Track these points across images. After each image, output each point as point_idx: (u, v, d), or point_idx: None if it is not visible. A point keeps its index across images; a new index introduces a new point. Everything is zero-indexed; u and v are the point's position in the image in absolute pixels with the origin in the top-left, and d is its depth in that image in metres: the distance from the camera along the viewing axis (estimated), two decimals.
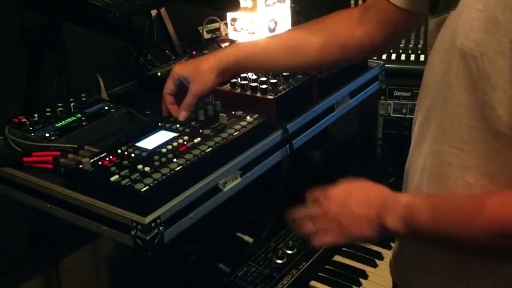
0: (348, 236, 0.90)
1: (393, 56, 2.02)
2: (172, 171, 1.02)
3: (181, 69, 1.22)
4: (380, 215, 0.85)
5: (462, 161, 0.80)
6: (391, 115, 2.09)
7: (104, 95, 1.43)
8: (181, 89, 1.23)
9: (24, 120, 1.26)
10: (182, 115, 1.20)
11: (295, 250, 1.41)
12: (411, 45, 2.04)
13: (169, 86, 1.23)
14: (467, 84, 0.76)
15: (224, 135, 1.14)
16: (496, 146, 0.76)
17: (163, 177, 1.01)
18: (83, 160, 1.06)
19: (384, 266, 1.47)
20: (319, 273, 1.40)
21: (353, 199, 0.91)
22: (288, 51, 1.17)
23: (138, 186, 0.98)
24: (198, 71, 1.19)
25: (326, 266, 1.42)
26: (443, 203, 0.80)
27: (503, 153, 0.75)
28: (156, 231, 0.96)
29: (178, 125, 1.19)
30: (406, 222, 0.81)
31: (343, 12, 1.16)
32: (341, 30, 1.12)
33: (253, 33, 1.68)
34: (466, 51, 0.74)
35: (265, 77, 1.34)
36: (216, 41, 1.76)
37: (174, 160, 1.05)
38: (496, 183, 0.78)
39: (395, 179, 1.72)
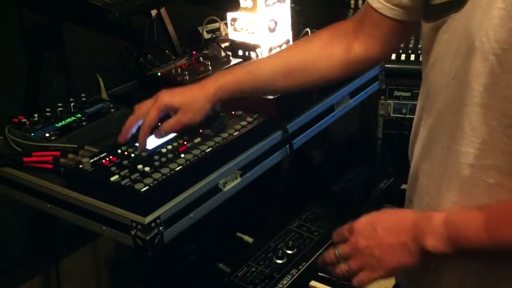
0: (387, 268, 0.86)
1: (393, 56, 2.02)
2: (172, 171, 1.02)
3: (169, 98, 1.12)
4: (416, 238, 0.82)
5: (482, 161, 0.80)
6: (391, 115, 2.09)
7: (104, 95, 1.43)
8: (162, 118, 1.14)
9: (24, 120, 1.26)
10: (159, 134, 1.12)
11: (295, 250, 1.41)
12: (411, 45, 2.04)
13: (154, 117, 1.10)
14: (488, 83, 0.76)
15: (224, 135, 1.14)
16: None
17: (163, 177, 1.01)
18: (83, 160, 1.06)
19: None
20: (319, 273, 1.39)
21: (380, 227, 0.87)
22: (286, 75, 1.13)
23: (138, 186, 0.98)
24: (192, 102, 1.11)
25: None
26: (494, 213, 0.78)
27: None
28: (156, 231, 0.96)
29: None
30: (450, 240, 0.79)
31: (336, 27, 1.12)
32: (337, 47, 1.09)
33: (253, 33, 1.68)
34: (487, 49, 0.75)
35: None
36: (216, 41, 1.76)
37: (174, 160, 1.05)
38: None
39: (395, 179, 1.72)
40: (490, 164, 0.79)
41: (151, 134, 1.11)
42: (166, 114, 1.13)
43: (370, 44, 1.06)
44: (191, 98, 1.12)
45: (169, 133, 1.13)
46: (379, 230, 0.86)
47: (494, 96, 0.76)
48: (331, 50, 1.09)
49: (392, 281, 1.36)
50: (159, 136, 1.12)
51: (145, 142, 1.10)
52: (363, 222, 0.89)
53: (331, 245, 1.43)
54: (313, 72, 1.11)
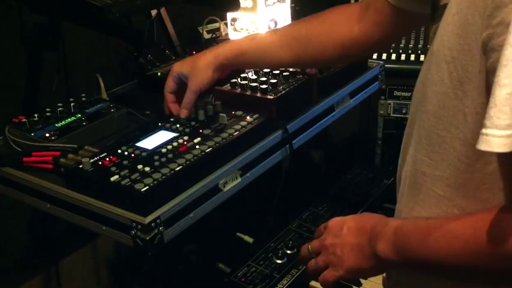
0: (346, 269, 0.87)
1: (393, 56, 2.02)
2: (172, 171, 1.02)
3: (179, 66, 1.23)
4: (371, 242, 0.82)
5: (433, 171, 0.78)
6: (391, 115, 2.09)
7: (104, 95, 1.43)
8: (182, 87, 1.23)
9: (24, 120, 1.25)
10: (183, 113, 1.21)
11: (295, 250, 1.41)
12: (411, 45, 2.04)
13: (170, 84, 1.24)
14: (439, 91, 0.74)
15: (224, 135, 1.14)
16: (463, 157, 0.73)
17: (163, 177, 1.01)
18: (83, 160, 1.06)
19: None
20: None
21: (346, 227, 0.89)
22: (287, 46, 1.16)
23: (138, 186, 0.98)
24: (196, 68, 1.19)
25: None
26: (434, 226, 0.75)
27: (471, 165, 0.73)
28: (156, 231, 0.96)
29: (178, 125, 1.19)
30: (397, 247, 0.79)
31: (343, 8, 1.15)
32: (340, 27, 1.12)
33: (253, 33, 1.68)
34: (441, 56, 0.73)
35: (265, 77, 1.34)
36: (216, 41, 1.76)
37: (174, 160, 1.05)
38: (462, 197, 0.75)
39: (395, 179, 1.72)
40: (439, 175, 0.77)
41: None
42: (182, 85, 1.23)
43: (370, 29, 1.07)
44: (195, 65, 1.20)
45: (190, 105, 1.21)
46: (344, 229, 0.88)
47: (443, 106, 0.74)
48: (334, 29, 1.12)
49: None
50: (184, 114, 1.21)
51: (169, 109, 1.24)
52: (336, 220, 0.92)
53: None
54: (314, 48, 1.14)
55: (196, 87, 1.20)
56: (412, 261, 0.78)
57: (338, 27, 1.12)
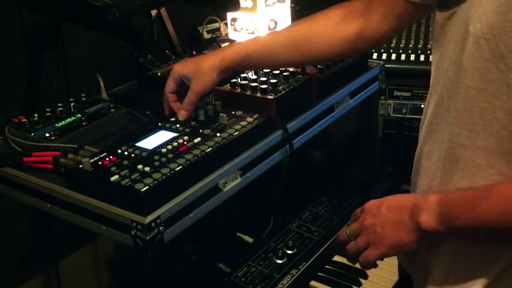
0: (388, 245, 0.88)
1: (393, 56, 2.02)
2: (172, 171, 1.02)
3: (181, 67, 1.23)
4: (413, 216, 0.84)
5: (473, 142, 0.81)
6: (391, 115, 2.08)
7: (104, 95, 1.43)
8: (182, 87, 1.23)
9: (24, 120, 1.26)
10: (182, 114, 1.21)
11: (295, 250, 1.41)
12: (411, 45, 2.04)
13: (170, 85, 1.24)
14: (479, 67, 0.78)
15: (224, 135, 1.14)
16: (507, 124, 0.77)
17: (163, 177, 1.01)
18: (83, 160, 1.06)
19: (384, 265, 1.47)
20: (319, 273, 1.40)
21: (384, 207, 0.90)
22: (292, 46, 1.18)
23: (138, 186, 0.98)
24: (200, 70, 1.19)
25: (326, 266, 1.42)
26: (481, 194, 0.79)
27: None
28: (156, 231, 0.96)
29: (178, 125, 1.19)
30: (442, 218, 0.80)
31: (345, 5, 1.16)
32: (344, 23, 1.13)
33: (253, 33, 1.68)
34: (479, 34, 0.77)
35: (265, 77, 1.34)
36: (216, 41, 1.76)
37: (174, 160, 1.05)
38: (505, 163, 0.79)
39: (395, 179, 1.72)
40: (481, 144, 0.81)
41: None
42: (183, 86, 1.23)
43: (376, 21, 1.09)
44: (199, 67, 1.20)
45: (191, 107, 1.21)
46: (383, 209, 0.89)
47: (485, 79, 0.78)
48: (338, 25, 1.14)
49: (391, 282, 1.37)
50: (183, 116, 1.21)
51: (169, 109, 1.24)
52: (373, 202, 0.93)
53: (331, 245, 1.44)
54: (317, 46, 1.16)
55: (200, 90, 1.20)
56: (459, 229, 0.80)
57: (342, 24, 1.13)
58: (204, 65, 1.20)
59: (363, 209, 0.94)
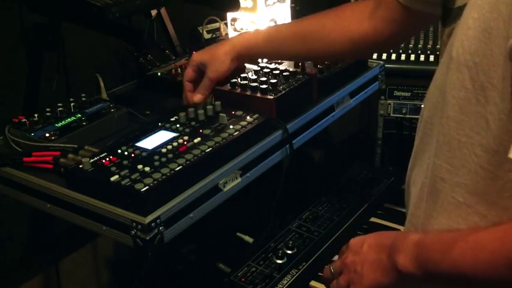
0: (365, 284, 0.85)
1: (393, 56, 2.02)
2: (172, 171, 1.02)
3: (199, 55, 1.28)
4: (391, 256, 0.81)
5: (453, 177, 0.77)
6: (391, 115, 2.08)
7: (104, 95, 1.43)
8: (201, 76, 1.28)
9: (24, 120, 1.25)
10: (197, 97, 1.26)
11: (295, 250, 1.41)
12: (411, 45, 2.04)
13: (189, 73, 1.29)
14: (460, 97, 0.74)
15: (224, 135, 1.14)
16: (485, 163, 0.72)
17: (163, 177, 1.01)
18: (83, 160, 1.06)
19: None
20: (319, 273, 1.39)
21: (366, 244, 0.88)
22: (301, 38, 1.21)
23: (138, 186, 0.98)
24: (214, 56, 1.25)
25: (326, 266, 1.42)
26: (459, 238, 0.73)
27: (492, 171, 0.72)
28: (156, 231, 0.96)
29: (178, 125, 1.19)
30: (418, 261, 0.77)
31: (355, 5, 1.18)
32: (351, 22, 1.15)
33: None
34: (461, 61, 0.72)
35: (265, 77, 1.34)
36: (216, 41, 1.76)
37: (174, 160, 1.05)
38: (483, 204, 0.75)
39: (395, 179, 1.72)
40: (459, 181, 0.76)
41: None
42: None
43: (379, 26, 1.10)
44: (214, 54, 1.26)
45: (206, 91, 1.26)
46: (365, 246, 0.87)
47: (465, 111, 0.73)
48: (345, 24, 1.16)
49: None
50: (198, 99, 1.25)
51: (189, 97, 1.28)
52: (356, 239, 0.91)
53: (331, 245, 1.44)
54: (324, 43, 1.18)
55: (214, 75, 1.25)
56: (434, 274, 0.76)
57: (349, 23, 1.15)
58: (218, 52, 1.25)
59: (347, 246, 0.92)
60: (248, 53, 1.27)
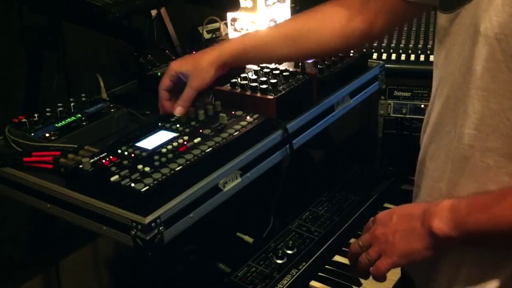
0: (399, 254, 0.87)
1: (393, 56, 2.02)
2: (172, 171, 1.02)
3: (179, 65, 1.22)
4: (424, 223, 0.83)
5: (483, 143, 0.81)
6: (391, 115, 2.08)
7: (104, 95, 1.43)
8: (178, 85, 1.22)
9: (24, 120, 1.25)
10: (179, 110, 1.20)
11: (295, 250, 1.41)
12: (411, 45, 2.04)
13: (165, 82, 1.23)
14: (490, 67, 0.78)
15: (224, 135, 1.14)
16: None
17: (163, 177, 1.01)
18: (83, 160, 1.06)
19: None
20: (319, 273, 1.39)
21: (395, 216, 0.89)
22: (289, 41, 1.19)
23: (138, 186, 0.98)
24: (198, 66, 1.19)
25: (326, 266, 1.42)
26: (496, 197, 0.79)
27: None
28: (156, 231, 0.96)
29: (178, 125, 1.19)
30: (454, 222, 0.80)
31: (342, 1, 1.16)
32: (341, 17, 1.14)
33: None
34: (490, 34, 0.77)
35: (265, 77, 1.34)
36: (216, 41, 1.76)
37: (174, 160, 1.05)
38: None
39: (395, 179, 1.72)
40: (490, 146, 0.81)
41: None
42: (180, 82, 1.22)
43: (373, 18, 1.11)
44: (197, 64, 1.20)
45: (188, 103, 1.20)
46: (394, 218, 0.89)
47: (495, 80, 0.78)
48: (334, 21, 1.15)
49: (391, 282, 1.36)
50: (180, 112, 1.19)
51: (166, 106, 1.23)
52: (384, 212, 0.92)
53: (331, 245, 1.44)
54: (315, 41, 1.17)
55: (198, 86, 1.19)
56: (472, 233, 0.79)
57: (340, 18, 1.14)
58: (201, 61, 1.19)
59: (374, 220, 0.93)
60: (236, 61, 1.21)
